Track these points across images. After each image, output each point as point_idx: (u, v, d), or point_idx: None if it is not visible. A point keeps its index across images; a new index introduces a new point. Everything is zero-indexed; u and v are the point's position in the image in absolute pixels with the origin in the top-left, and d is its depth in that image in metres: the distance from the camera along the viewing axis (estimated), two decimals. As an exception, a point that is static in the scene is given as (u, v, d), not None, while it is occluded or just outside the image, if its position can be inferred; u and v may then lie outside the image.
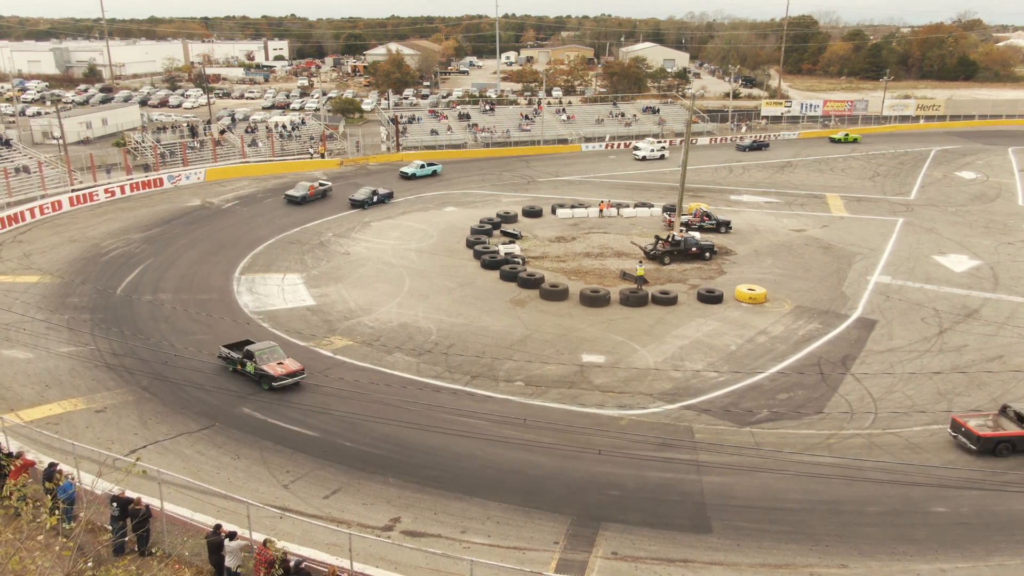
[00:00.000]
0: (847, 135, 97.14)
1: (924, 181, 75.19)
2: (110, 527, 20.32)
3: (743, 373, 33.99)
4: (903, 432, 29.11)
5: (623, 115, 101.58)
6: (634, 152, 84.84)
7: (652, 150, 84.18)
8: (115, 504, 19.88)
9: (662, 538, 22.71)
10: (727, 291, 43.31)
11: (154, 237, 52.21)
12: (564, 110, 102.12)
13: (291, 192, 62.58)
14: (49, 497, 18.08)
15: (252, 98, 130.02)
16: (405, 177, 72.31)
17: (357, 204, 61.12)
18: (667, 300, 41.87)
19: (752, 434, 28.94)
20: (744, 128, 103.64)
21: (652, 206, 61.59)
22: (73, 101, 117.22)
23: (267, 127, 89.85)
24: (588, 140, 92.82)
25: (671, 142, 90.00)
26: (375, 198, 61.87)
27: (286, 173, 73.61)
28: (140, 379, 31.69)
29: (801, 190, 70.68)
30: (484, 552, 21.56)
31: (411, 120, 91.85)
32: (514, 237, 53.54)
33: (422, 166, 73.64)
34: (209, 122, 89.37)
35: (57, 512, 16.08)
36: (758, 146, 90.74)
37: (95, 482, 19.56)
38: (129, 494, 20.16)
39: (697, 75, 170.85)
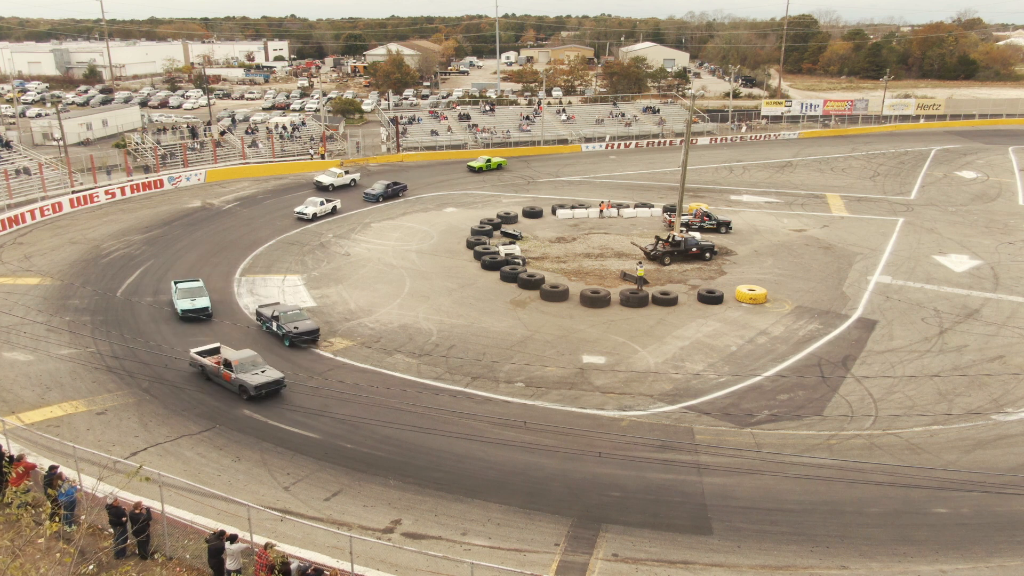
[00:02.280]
0: (489, 161, 76.82)
1: (924, 181, 75.17)
2: (112, 531, 20.33)
3: (743, 374, 33.99)
4: (903, 433, 29.11)
5: (623, 115, 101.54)
6: (299, 213, 58.05)
7: (323, 203, 58.94)
8: (110, 514, 19.92)
9: (663, 539, 22.73)
10: (727, 292, 43.32)
11: (155, 239, 52.23)
12: (564, 110, 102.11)
13: None
14: (50, 503, 18.13)
15: (252, 99, 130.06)
16: None
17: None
18: (667, 301, 41.88)
19: (753, 435, 28.94)
20: (744, 128, 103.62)
21: (652, 206, 61.59)
22: (73, 102, 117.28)
23: (267, 128, 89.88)
24: (588, 140, 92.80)
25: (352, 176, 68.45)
26: None
27: (286, 174, 73.62)
28: (141, 381, 31.72)
29: (801, 190, 70.67)
30: (485, 554, 21.58)
31: (411, 121, 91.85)
32: (514, 238, 53.54)
33: None
34: (209, 123, 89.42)
35: (57, 519, 16.11)
36: (394, 192, 65.14)
37: (96, 486, 19.57)
38: (127, 497, 20.16)
39: (697, 75, 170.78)
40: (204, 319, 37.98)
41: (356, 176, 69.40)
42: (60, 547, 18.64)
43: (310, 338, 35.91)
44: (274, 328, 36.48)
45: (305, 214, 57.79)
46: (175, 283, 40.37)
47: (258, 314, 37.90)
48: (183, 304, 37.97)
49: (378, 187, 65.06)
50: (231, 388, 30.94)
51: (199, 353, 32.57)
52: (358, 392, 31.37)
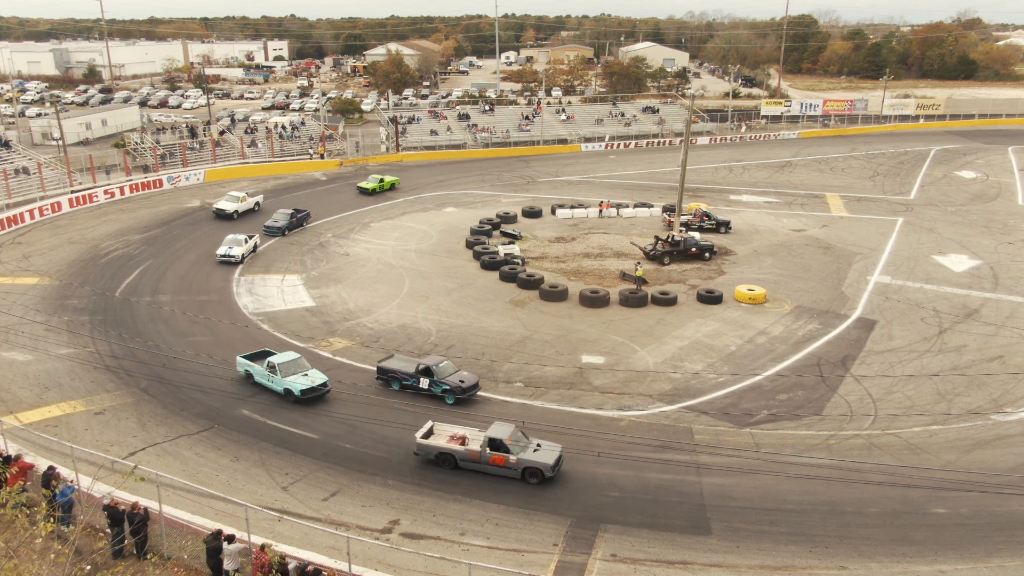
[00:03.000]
0: (382, 181, 68.04)
1: (924, 180, 75.15)
2: (109, 531, 20.29)
3: (742, 374, 33.95)
4: (903, 433, 29.08)
5: (623, 115, 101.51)
6: (224, 256, 47.60)
7: (246, 240, 48.80)
8: (107, 515, 19.86)
9: (661, 540, 22.69)
10: (727, 291, 43.29)
11: (154, 238, 52.19)
12: (564, 110, 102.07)
13: None
14: (45, 503, 18.08)
15: (252, 99, 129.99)
16: None
17: None
18: (667, 301, 41.84)
19: (752, 435, 28.91)
20: (744, 127, 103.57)
21: (652, 206, 61.57)
22: (73, 102, 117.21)
23: (267, 128, 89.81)
24: (588, 140, 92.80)
25: (254, 198, 60.08)
26: None
27: (286, 174, 73.60)
28: (139, 381, 31.67)
29: (801, 190, 70.64)
30: (483, 554, 21.55)
31: (411, 120, 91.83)
32: (514, 238, 53.51)
33: None
34: (209, 123, 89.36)
35: (53, 520, 16.06)
36: (298, 222, 55.46)
37: (92, 485, 19.54)
38: (125, 497, 20.12)
39: (697, 75, 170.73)
40: (325, 394, 31.19)
41: (259, 199, 61.24)
42: (56, 548, 18.61)
43: (474, 392, 31.31)
44: (423, 386, 31.12)
45: (232, 256, 47.42)
46: (255, 358, 32.34)
47: (381, 370, 32.04)
48: (299, 383, 30.44)
49: (280, 218, 54.62)
50: (506, 473, 25.34)
51: (424, 436, 26.65)
52: (357, 392, 31.33)
